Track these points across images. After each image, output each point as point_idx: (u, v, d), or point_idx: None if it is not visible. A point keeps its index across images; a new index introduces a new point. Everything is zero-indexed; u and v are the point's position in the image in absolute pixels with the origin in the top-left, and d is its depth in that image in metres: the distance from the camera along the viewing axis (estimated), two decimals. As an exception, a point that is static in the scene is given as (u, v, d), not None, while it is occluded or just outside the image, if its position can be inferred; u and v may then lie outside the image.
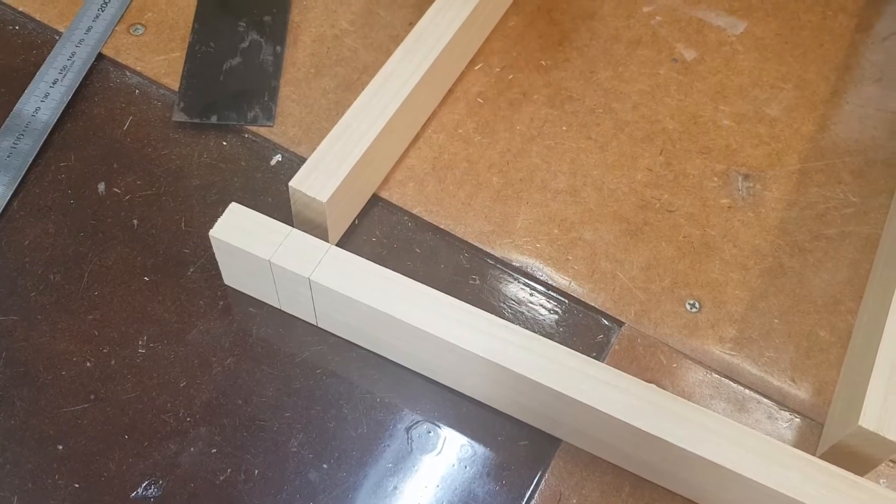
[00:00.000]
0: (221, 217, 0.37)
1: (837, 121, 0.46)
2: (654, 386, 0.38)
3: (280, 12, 0.49)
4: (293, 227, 0.38)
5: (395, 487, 0.35)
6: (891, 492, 0.32)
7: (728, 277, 0.41)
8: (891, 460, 0.36)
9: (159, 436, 0.35)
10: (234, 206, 0.37)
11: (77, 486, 0.34)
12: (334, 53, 0.48)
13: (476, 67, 0.48)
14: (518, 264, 0.41)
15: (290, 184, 0.38)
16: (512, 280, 0.41)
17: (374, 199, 0.43)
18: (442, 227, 0.42)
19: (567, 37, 0.49)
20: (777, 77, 0.48)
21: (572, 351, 0.35)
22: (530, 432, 0.37)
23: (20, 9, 0.48)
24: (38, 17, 0.48)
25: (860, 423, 0.33)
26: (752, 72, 0.48)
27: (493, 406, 0.37)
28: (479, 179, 0.43)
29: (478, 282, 0.41)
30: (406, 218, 0.42)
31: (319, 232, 0.39)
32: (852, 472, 0.33)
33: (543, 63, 0.48)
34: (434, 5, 0.45)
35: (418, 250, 0.41)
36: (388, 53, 0.43)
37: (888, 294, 0.36)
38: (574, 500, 0.35)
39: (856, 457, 0.34)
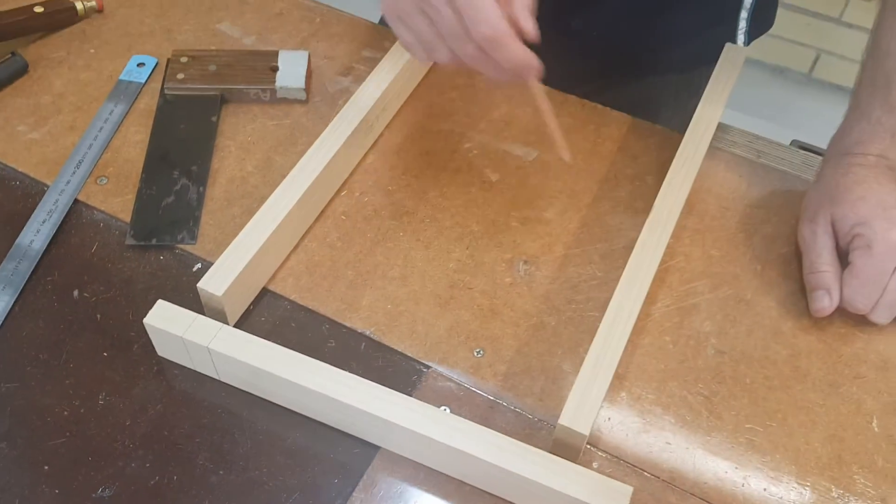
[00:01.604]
0: (151, 310, 0.55)
1: (595, 219, 0.65)
2: (446, 408, 0.56)
3: (204, 162, 0.69)
4: (203, 313, 0.56)
5: (268, 485, 0.53)
6: (574, 465, 0.50)
7: (504, 332, 0.59)
8: (595, 447, 0.54)
9: (112, 457, 0.53)
10: (160, 303, 0.56)
11: (57, 491, 0.52)
12: (241, 189, 0.67)
13: (342, 194, 0.67)
14: (361, 331, 0.59)
15: (198, 285, 0.57)
16: (357, 342, 0.59)
17: (264, 291, 0.61)
18: (310, 307, 0.61)
19: (409, 168, 0.69)
20: (555, 190, 0.67)
21: (388, 389, 0.53)
22: (361, 443, 0.55)
23: (20, 169, 0.68)
24: (32, 174, 0.68)
25: (560, 421, 0.51)
26: (538, 187, 0.67)
27: (336, 427, 0.55)
28: (338, 273, 0.62)
29: (334, 344, 0.59)
30: (286, 303, 0.61)
31: (221, 316, 0.58)
32: (566, 457, 0.51)
33: (390, 188, 0.67)
34: (309, 151, 0.65)
35: (293, 325, 0.60)
36: (280, 188, 0.62)
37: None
38: (384, 485, 0.53)
39: (566, 446, 0.52)
